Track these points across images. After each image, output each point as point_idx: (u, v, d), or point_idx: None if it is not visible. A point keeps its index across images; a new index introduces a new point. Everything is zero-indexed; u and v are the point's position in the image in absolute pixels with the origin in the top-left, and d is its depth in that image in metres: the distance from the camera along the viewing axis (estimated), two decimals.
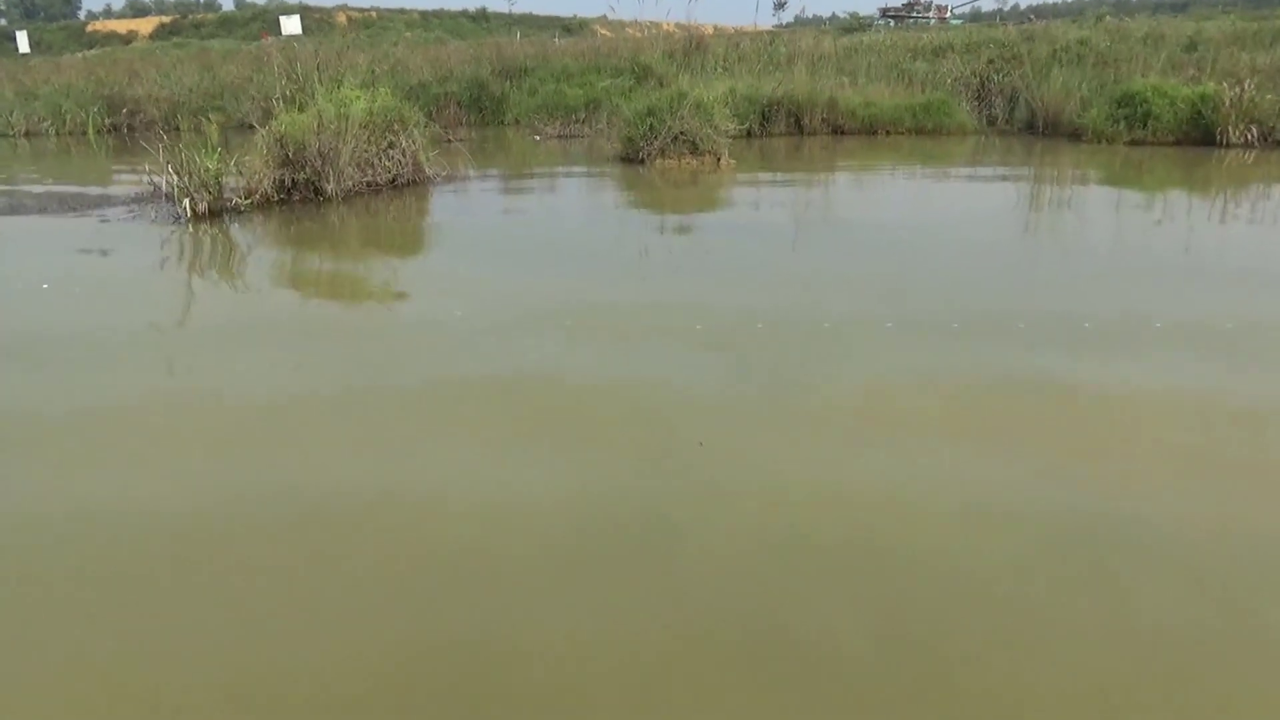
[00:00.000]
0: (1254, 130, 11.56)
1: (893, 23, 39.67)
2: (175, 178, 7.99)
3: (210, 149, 8.09)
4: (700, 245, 7.26)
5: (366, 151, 9.10)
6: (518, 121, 16.56)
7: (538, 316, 5.14)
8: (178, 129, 14.95)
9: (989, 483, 3.19)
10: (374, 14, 57.40)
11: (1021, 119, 14.29)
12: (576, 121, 15.43)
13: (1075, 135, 12.88)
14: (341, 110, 8.77)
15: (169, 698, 2.20)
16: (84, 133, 16.24)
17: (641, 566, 2.70)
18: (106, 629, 2.46)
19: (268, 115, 9.33)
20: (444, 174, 10.28)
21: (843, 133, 14.39)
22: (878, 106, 14.34)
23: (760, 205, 8.96)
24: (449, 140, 12.68)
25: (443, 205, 9.01)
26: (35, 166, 13.20)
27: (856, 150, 12.96)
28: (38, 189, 10.38)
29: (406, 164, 9.59)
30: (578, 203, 9.44)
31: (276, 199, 8.65)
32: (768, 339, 4.68)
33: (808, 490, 3.13)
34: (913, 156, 12.32)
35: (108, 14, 78.58)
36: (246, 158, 8.64)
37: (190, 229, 7.77)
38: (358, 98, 9.00)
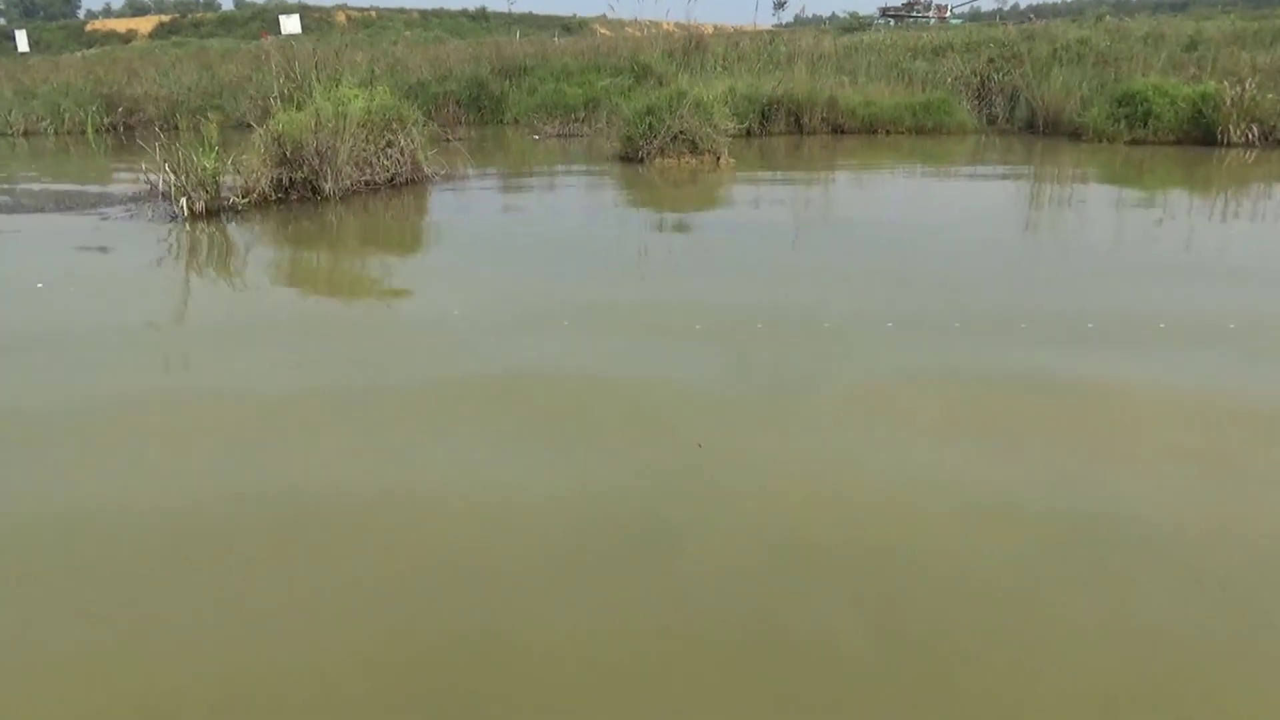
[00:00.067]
0: (1255, 129, 11.55)
1: (892, 22, 39.65)
2: (172, 177, 7.96)
3: (207, 148, 8.07)
4: (699, 244, 7.24)
5: (364, 150, 9.08)
6: (517, 121, 16.54)
7: (536, 316, 5.12)
8: (176, 128, 14.92)
9: (990, 482, 3.18)
10: (373, 13, 57.36)
11: (1022, 118, 14.29)
12: (576, 121, 15.42)
13: (1076, 134, 12.86)
14: (339, 109, 8.75)
15: (167, 697, 2.18)
16: (82, 132, 16.20)
17: (641, 566, 2.68)
18: (105, 628, 2.44)
19: (266, 114, 9.30)
20: (443, 173, 10.26)
21: (843, 132, 14.37)
22: (878, 105, 14.32)
23: (760, 204, 8.94)
24: (448, 139, 12.66)
25: (441, 204, 9.00)
26: (33, 165, 13.18)
27: (856, 149, 12.94)
28: (34, 188, 10.36)
29: (405, 163, 9.57)
30: (576, 202, 9.42)
31: (274, 198, 8.63)
32: (767, 338, 4.66)
33: (807, 491, 3.11)
34: (913, 155, 12.30)
35: (107, 13, 78.57)
36: (244, 157, 8.62)
37: (187, 228, 7.75)
38: (356, 96, 8.98)
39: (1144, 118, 12.14)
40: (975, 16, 45.43)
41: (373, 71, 13.99)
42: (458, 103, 16.73)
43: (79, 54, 32.21)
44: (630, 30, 20.52)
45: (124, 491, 3.20)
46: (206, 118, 10.74)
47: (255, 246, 7.29)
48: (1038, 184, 10.07)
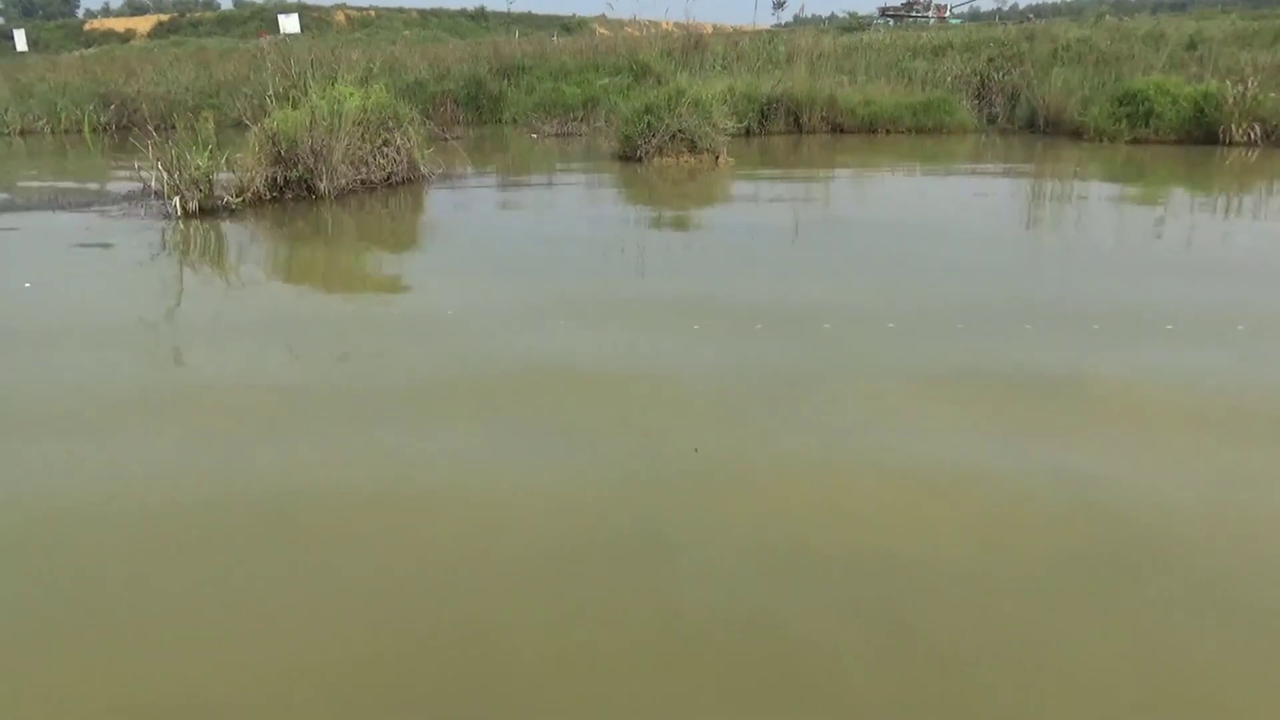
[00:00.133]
0: (1257, 128, 11.50)
1: (892, 22, 39.57)
2: (165, 175, 7.88)
3: (201, 146, 7.99)
4: (697, 244, 7.16)
5: (360, 149, 9.00)
6: (515, 120, 16.47)
7: (532, 315, 5.05)
8: (173, 127, 14.84)
9: (994, 486, 3.10)
10: (373, 13, 57.29)
11: (1022, 117, 14.22)
12: (574, 120, 15.35)
13: (1076, 134, 12.80)
14: (335, 107, 8.66)
15: (166, 696, 2.16)
16: (79, 131, 16.13)
17: (639, 567, 2.62)
18: (101, 627, 2.42)
19: (262, 113, 9.22)
20: (440, 172, 10.19)
21: (842, 131, 14.30)
22: (877, 105, 14.25)
23: (759, 203, 8.87)
24: (445, 139, 12.57)
25: (437, 203, 8.92)
26: (28, 164, 13.12)
27: (856, 148, 12.87)
28: (29, 185, 10.29)
29: (401, 162, 9.49)
30: (573, 201, 9.34)
31: (269, 197, 8.55)
32: (767, 339, 4.58)
33: (807, 492, 3.05)
34: (913, 155, 12.23)
35: (106, 12, 78.49)
36: (238, 155, 8.54)
37: (180, 226, 7.67)
38: (351, 95, 8.89)
39: (1145, 117, 12.08)
40: (975, 16, 45.38)
41: (370, 69, 13.90)
42: (456, 102, 16.65)
43: (77, 53, 32.12)
44: (629, 30, 20.40)
45: (117, 489, 3.16)
46: (202, 117, 10.65)
47: (247, 245, 7.22)
48: (1039, 183, 10.01)
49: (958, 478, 3.14)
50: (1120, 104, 12.34)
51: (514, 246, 7.00)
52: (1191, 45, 15.61)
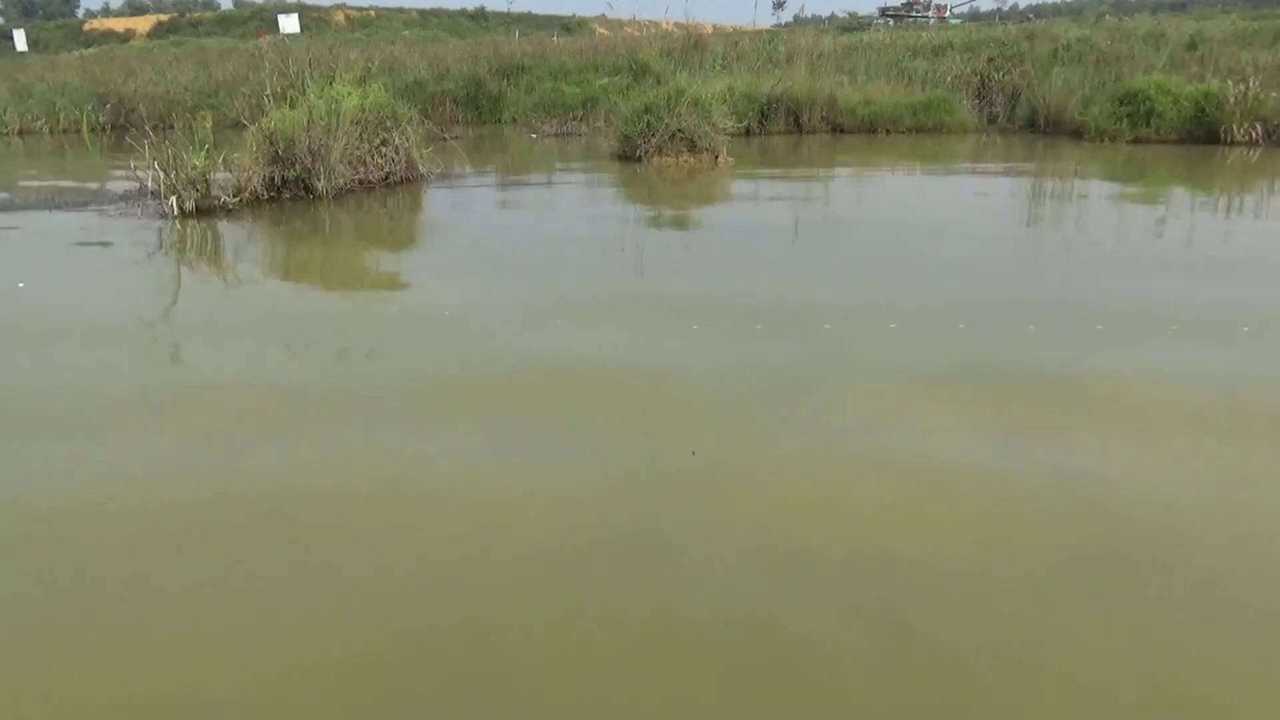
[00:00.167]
0: (1258, 128, 11.49)
1: (892, 22, 39.57)
2: (161, 175, 7.86)
3: (198, 146, 7.97)
4: (697, 243, 7.15)
5: (358, 149, 8.98)
6: (515, 120, 16.46)
7: (531, 315, 5.04)
8: (172, 127, 14.83)
9: (996, 488, 3.09)
10: (372, 13, 57.26)
11: (1023, 117, 14.21)
12: (574, 120, 15.33)
13: (1077, 133, 12.78)
14: (333, 107, 8.64)
15: (166, 696, 2.15)
16: (78, 131, 16.09)
17: (638, 567, 2.61)
18: (100, 626, 2.42)
19: (260, 112, 9.20)
20: (438, 172, 10.17)
21: (842, 131, 14.28)
22: (877, 104, 14.23)
23: (758, 202, 8.85)
24: (444, 138, 12.56)
25: (436, 203, 8.91)
26: (26, 163, 13.10)
27: (856, 148, 12.86)
28: (27, 185, 10.28)
29: (400, 161, 9.47)
30: (573, 200, 9.33)
31: (266, 196, 8.53)
32: (766, 339, 4.57)
33: (807, 493, 3.03)
34: (913, 154, 12.22)
35: (105, 12, 78.48)
36: (236, 155, 8.53)
37: (177, 226, 7.66)
38: (350, 94, 8.88)
39: (1146, 116, 12.07)
40: (975, 16, 45.38)
41: (368, 69, 13.89)
42: (455, 102, 16.63)
43: (77, 53, 32.11)
44: (629, 30, 20.39)
45: (116, 489, 3.16)
46: (200, 116, 10.63)
47: (244, 244, 7.20)
48: (1040, 182, 9.99)
49: (958, 478, 3.13)
50: (1121, 104, 12.32)
51: (513, 246, 6.98)
52: (1192, 45, 15.61)
